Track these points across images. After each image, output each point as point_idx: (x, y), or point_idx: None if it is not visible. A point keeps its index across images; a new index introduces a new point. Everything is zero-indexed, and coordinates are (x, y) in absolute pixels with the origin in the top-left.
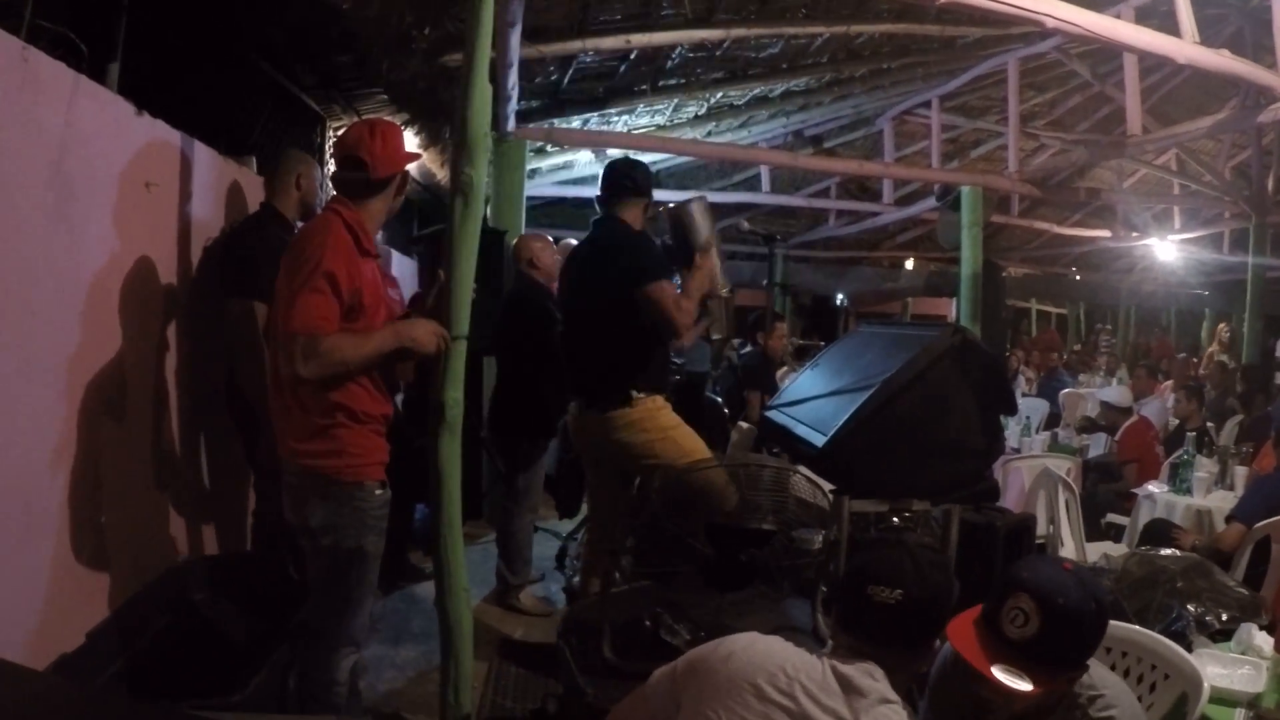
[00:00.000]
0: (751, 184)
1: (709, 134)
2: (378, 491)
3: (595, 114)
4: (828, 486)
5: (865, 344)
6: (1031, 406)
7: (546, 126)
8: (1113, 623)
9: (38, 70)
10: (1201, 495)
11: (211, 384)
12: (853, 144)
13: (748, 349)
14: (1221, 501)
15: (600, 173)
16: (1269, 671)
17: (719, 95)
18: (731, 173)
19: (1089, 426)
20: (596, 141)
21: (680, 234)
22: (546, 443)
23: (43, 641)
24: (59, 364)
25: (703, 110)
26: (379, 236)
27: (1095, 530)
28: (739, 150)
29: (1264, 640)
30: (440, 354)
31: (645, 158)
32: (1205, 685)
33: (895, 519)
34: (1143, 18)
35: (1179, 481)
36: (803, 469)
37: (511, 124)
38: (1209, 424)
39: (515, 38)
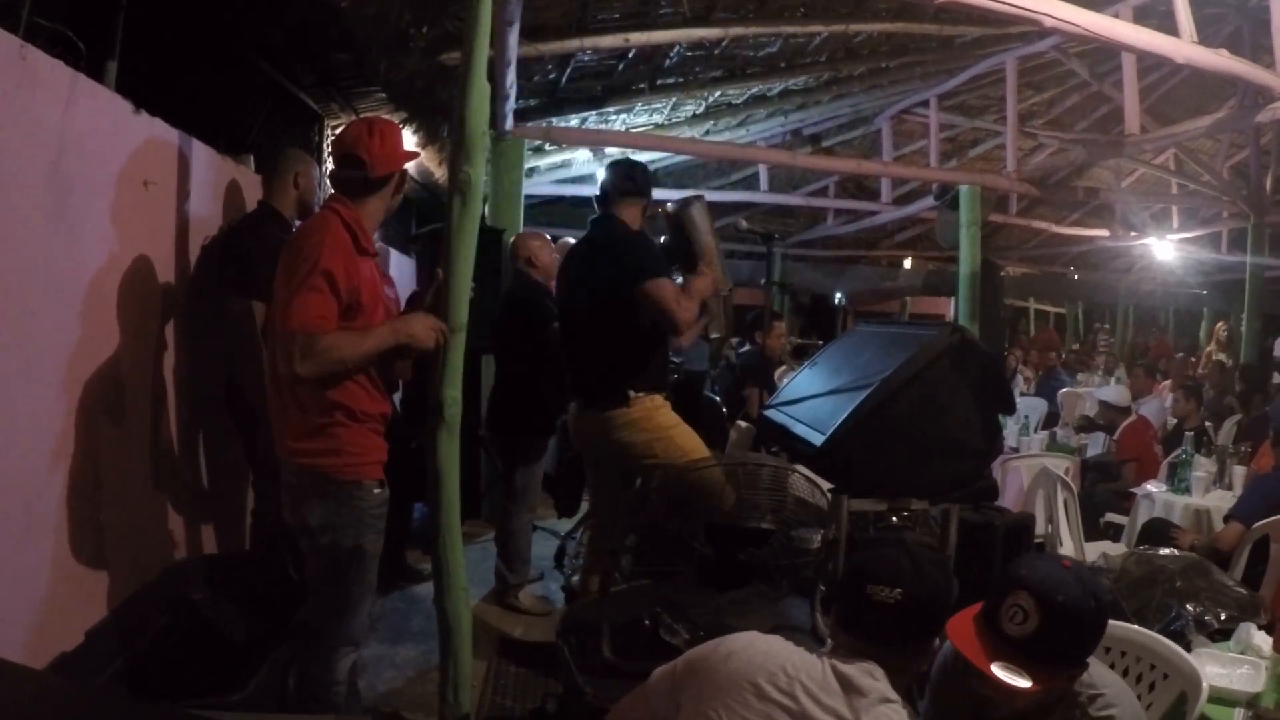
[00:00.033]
0: (749, 183)
1: (707, 133)
2: (376, 490)
3: (593, 113)
4: (826, 485)
5: (863, 343)
6: (1030, 406)
7: (544, 125)
8: (1112, 622)
9: (36, 68)
10: (1200, 495)
11: (210, 383)
12: (851, 143)
13: (746, 348)
14: (1220, 501)
15: (598, 172)
16: (1268, 671)
17: (717, 94)
18: (730, 171)
19: (1087, 426)
20: (594, 140)
21: (680, 235)
22: (545, 442)
23: (42, 641)
24: (58, 363)
25: (701, 109)
26: (377, 235)
27: (1094, 530)
28: (737, 149)
29: (1263, 640)
30: (439, 349)
31: (643, 156)
32: (1204, 685)
33: (894, 518)
34: (1141, 17)
35: (1177, 481)
36: (801, 468)
37: (510, 123)
38: (1207, 423)
39: (513, 36)
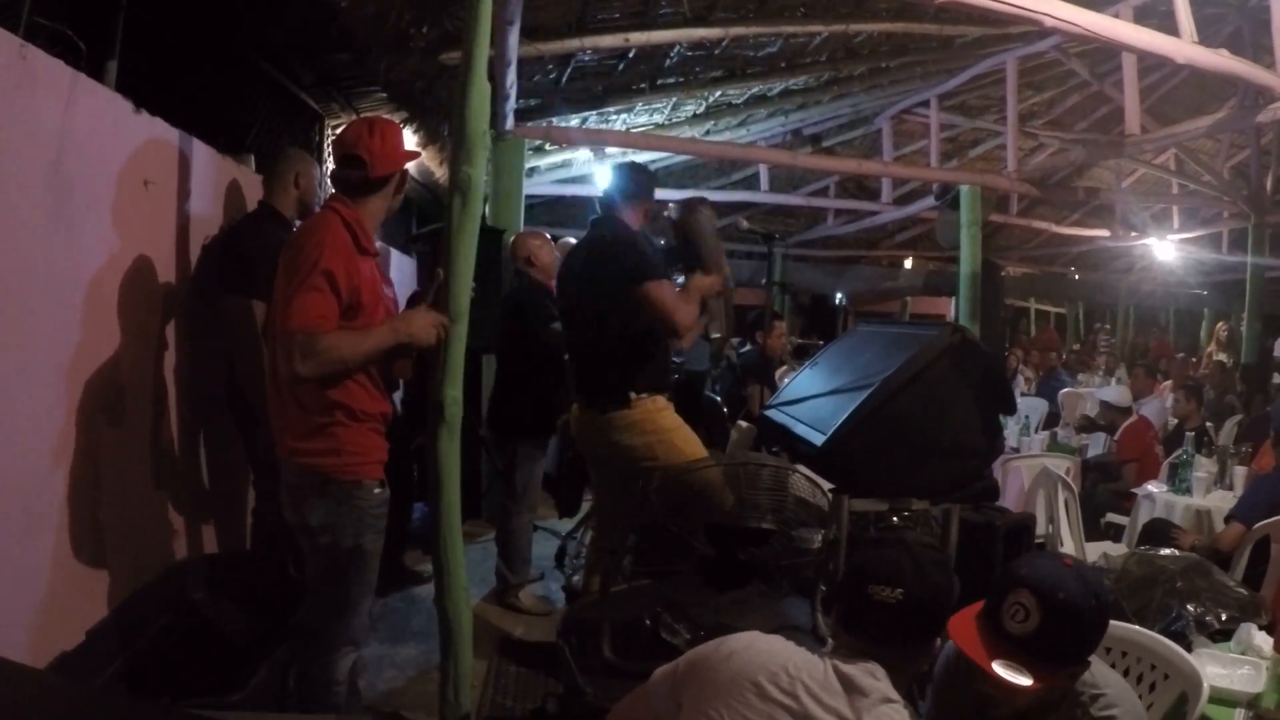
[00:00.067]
0: (750, 183)
1: (707, 133)
2: (376, 490)
3: (594, 112)
4: (827, 485)
5: (864, 343)
6: (1030, 406)
7: (545, 125)
8: (1112, 623)
9: (36, 68)
10: (1201, 495)
11: (211, 383)
12: (851, 143)
13: (747, 348)
14: (1221, 501)
15: (598, 171)
16: (1268, 671)
17: (717, 94)
18: (730, 171)
19: (1088, 426)
20: (595, 140)
21: (684, 239)
22: (545, 441)
23: (43, 640)
24: (58, 363)
25: (701, 109)
26: (377, 235)
27: (1094, 530)
28: (737, 149)
29: (1263, 640)
30: (440, 344)
31: (644, 156)
32: (1205, 685)
33: (895, 518)
34: (1141, 17)
35: (1178, 481)
36: (802, 468)
37: (510, 122)
38: (1208, 424)
39: (514, 36)
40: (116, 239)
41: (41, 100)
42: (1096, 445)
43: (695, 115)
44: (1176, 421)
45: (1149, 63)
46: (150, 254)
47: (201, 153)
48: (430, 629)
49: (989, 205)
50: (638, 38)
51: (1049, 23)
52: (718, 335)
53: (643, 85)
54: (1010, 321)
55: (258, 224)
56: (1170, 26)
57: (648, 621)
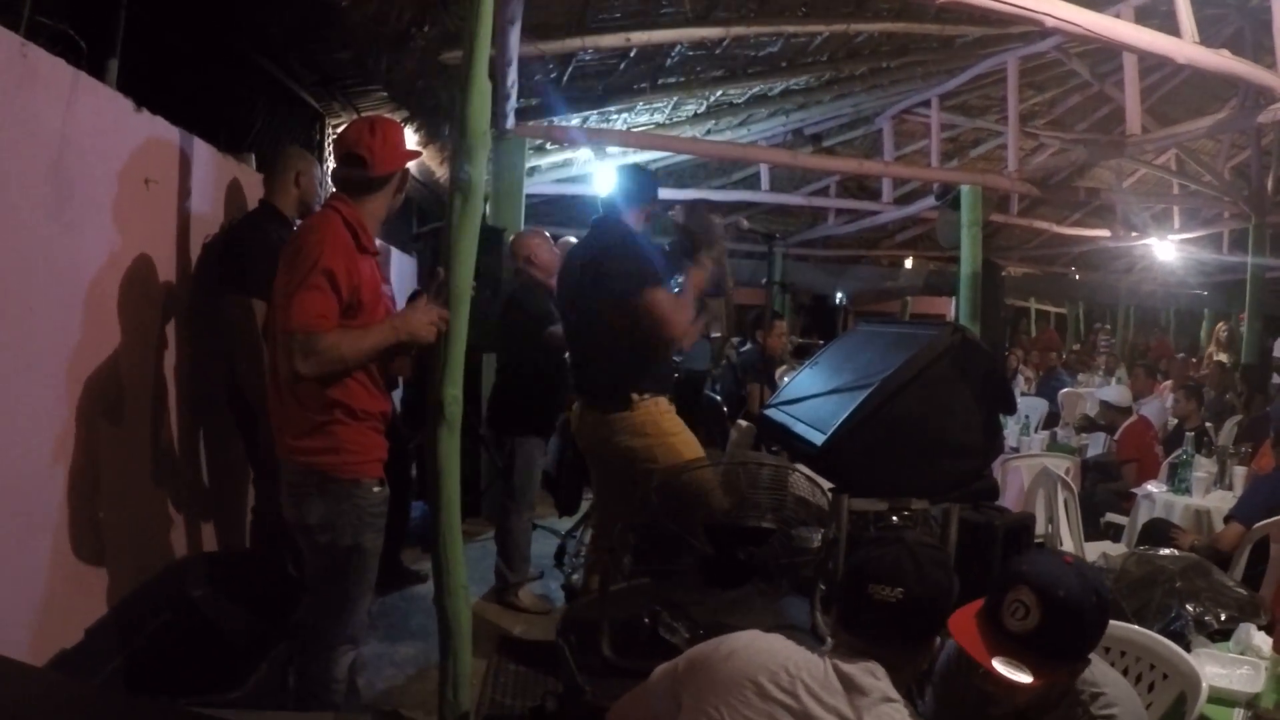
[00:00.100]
0: (750, 182)
1: (708, 132)
2: (375, 489)
3: (594, 112)
4: (827, 485)
5: (864, 343)
6: (1030, 406)
7: (546, 124)
8: (1111, 622)
9: (37, 66)
10: (1200, 495)
11: (211, 381)
12: (852, 143)
13: (747, 346)
14: (1220, 501)
15: (599, 171)
16: (1267, 671)
17: (718, 93)
18: (731, 171)
19: (1088, 426)
20: (595, 139)
21: (687, 240)
22: (544, 440)
23: (42, 638)
24: (58, 362)
25: (702, 108)
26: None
27: (1094, 530)
28: (738, 149)
29: (1262, 640)
30: (440, 340)
31: (644, 156)
32: (1204, 685)
33: (894, 518)
34: (1142, 17)
35: (1178, 481)
36: (802, 467)
37: (511, 121)
38: (1208, 424)
39: (514, 35)
40: (117, 238)
41: (42, 99)
42: (1096, 445)
43: (696, 115)
44: (1176, 421)
45: (1150, 63)
46: (151, 253)
47: (202, 152)
48: (429, 627)
49: (989, 205)
50: (639, 37)
51: (1050, 23)
52: (718, 335)
53: (644, 85)
54: (1010, 321)
55: (258, 223)
56: (1171, 27)
57: (647, 620)
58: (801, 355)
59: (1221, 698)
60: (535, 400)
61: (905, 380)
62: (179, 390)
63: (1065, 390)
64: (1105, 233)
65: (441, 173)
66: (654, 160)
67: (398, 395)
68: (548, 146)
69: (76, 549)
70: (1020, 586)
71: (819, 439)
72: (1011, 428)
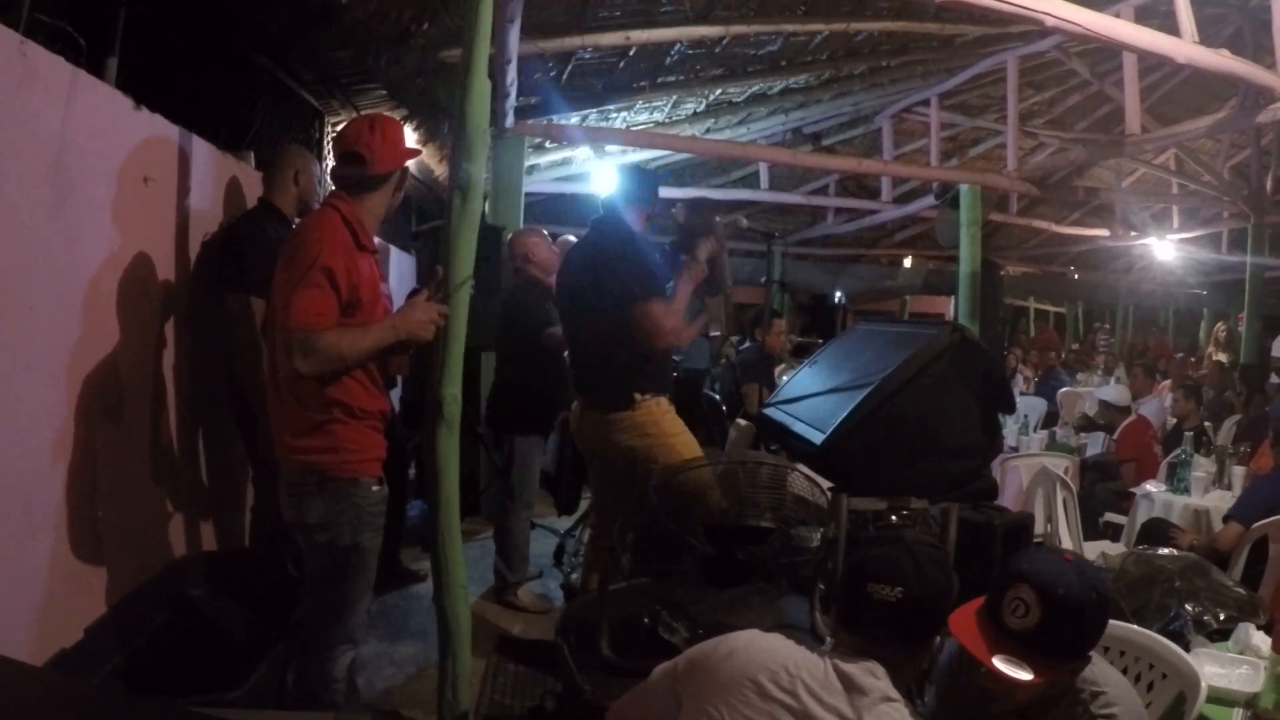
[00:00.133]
0: (750, 181)
1: (708, 131)
2: (374, 488)
3: (594, 110)
4: (826, 484)
5: (863, 342)
6: (1029, 405)
7: (545, 122)
8: (1111, 622)
9: (36, 64)
10: (1199, 495)
11: (211, 380)
12: (851, 141)
13: (746, 345)
14: (1219, 501)
15: (598, 169)
16: (1266, 671)
17: (718, 92)
18: (730, 169)
19: (1087, 425)
20: (595, 138)
21: (688, 241)
22: (544, 439)
23: (42, 638)
24: (57, 360)
25: (701, 107)
26: (376, 232)
27: (1093, 529)
28: (738, 147)
29: (1261, 640)
30: (439, 337)
31: (644, 154)
32: (1203, 685)
33: (894, 517)
34: (1142, 17)
35: (1177, 481)
36: (801, 466)
37: (510, 120)
38: (1207, 423)
39: (514, 34)
40: (116, 236)
41: (41, 97)
42: (1095, 445)
43: (695, 113)
44: (1175, 421)
45: (1150, 62)
46: (150, 251)
47: (201, 150)
48: (429, 627)
49: (989, 204)
50: (638, 35)
51: (1050, 22)
52: (717, 334)
53: (643, 83)
54: (1010, 321)
55: (257, 221)
56: (1171, 26)
57: (646, 620)
58: (800, 354)
59: (1220, 697)
60: (534, 399)
61: (904, 379)
62: (178, 389)
63: (1064, 390)
64: (1104, 232)
65: (441, 171)
66: (653, 158)
67: (396, 394)
68: (547, 145)
69: (76, 549)
70: (1020, 584)
71: (818, 438)
72: (1010, 427)
